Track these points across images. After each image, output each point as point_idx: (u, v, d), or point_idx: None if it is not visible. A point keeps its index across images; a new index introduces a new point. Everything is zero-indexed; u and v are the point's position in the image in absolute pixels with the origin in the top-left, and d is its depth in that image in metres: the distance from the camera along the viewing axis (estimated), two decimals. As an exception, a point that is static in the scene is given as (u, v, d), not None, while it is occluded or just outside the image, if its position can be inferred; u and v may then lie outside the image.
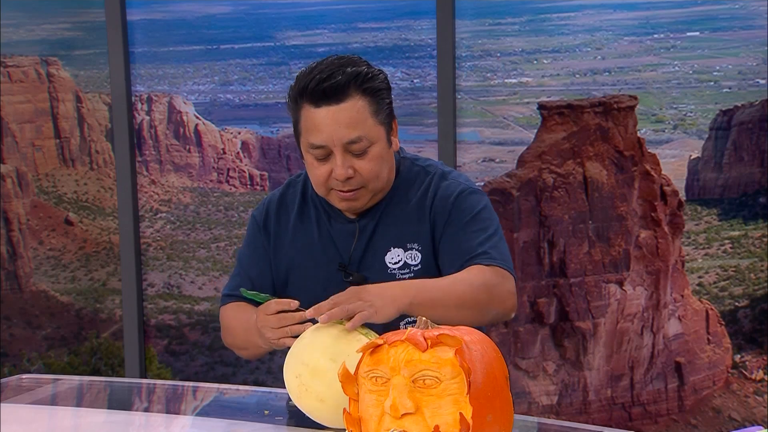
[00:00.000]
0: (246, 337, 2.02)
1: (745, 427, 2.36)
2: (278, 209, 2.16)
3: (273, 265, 2.14)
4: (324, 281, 2.06)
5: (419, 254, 2.06)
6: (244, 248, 2.20)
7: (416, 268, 2.05)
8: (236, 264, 2.22)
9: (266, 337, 1.90)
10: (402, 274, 2.04)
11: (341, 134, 1.95)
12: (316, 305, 1.79)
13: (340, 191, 2.00)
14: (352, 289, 1.83)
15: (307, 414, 1.77)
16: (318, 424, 1.77)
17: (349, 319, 1.78)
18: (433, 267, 2.06)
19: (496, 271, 1.99)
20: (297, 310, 1.87)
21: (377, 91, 1.99)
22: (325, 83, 1.95)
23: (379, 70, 2.02)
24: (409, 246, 2.06)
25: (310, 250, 2.11)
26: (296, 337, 1.83)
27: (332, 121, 1.95)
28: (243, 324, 2.04)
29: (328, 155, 1.98)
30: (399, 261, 2.06)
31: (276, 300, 1.91)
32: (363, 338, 1.76)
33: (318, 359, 1.73)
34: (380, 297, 1.82)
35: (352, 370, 1.65)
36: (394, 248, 2.06)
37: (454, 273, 1.99)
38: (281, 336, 1.87)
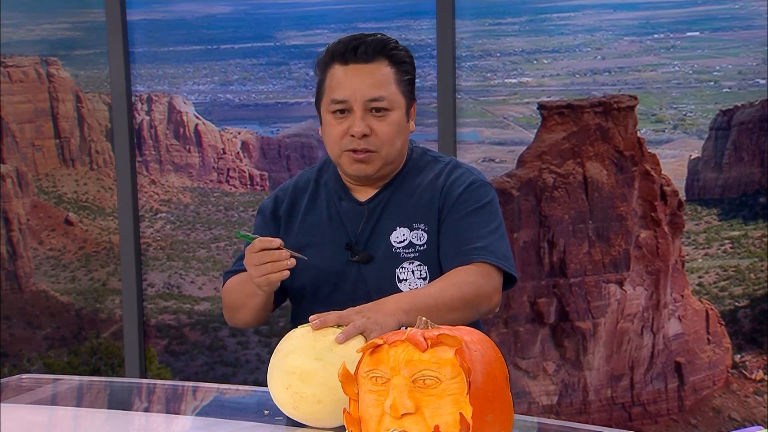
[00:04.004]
0: (242, 291, 2.10)
1: (745, 427, 2.36)
2: (292, 195, 2.22)
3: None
4: (330, 260, 2.11)
5: (425, 234, 2.09)
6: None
7: (421, 248, 2.08)
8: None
9: (252, 276, 1.97)
10: (406, 253, 2.08)
11: (364, 91, 2.05)
12: (322, 318, 1.80)
13: (353, 152, 2.06)
14: (352, 308, 1.85)
15: (306, 422, 1.76)
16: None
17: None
18: (438, 248, 2.10)
19: (481, 269, 2.03)
20: (279, 248, 1.94)
21: (402, 62, 2.10)
22: (356, 42, 2.06)
23: (404, 47, 2.13)
24: (415, 226, 2.10)
25: (318, 230, 2.15)
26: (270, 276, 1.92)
27: (358, 78, 2.05)
28: (240, 282, 2.13)
29: (348, 112, 2.06)
30: (404, 240, 2.10)
31: (260, 238, 1.97)
32: (336, 331, 1.77)
33: (303, 363, 1.73)
34: (381, 314, 1.85)
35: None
36: (399, 228, 2.10)
37: (448, 266, 2.05)
38: (263, 273, 1.95)
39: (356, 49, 2.05)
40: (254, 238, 1.99)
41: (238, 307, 2.18)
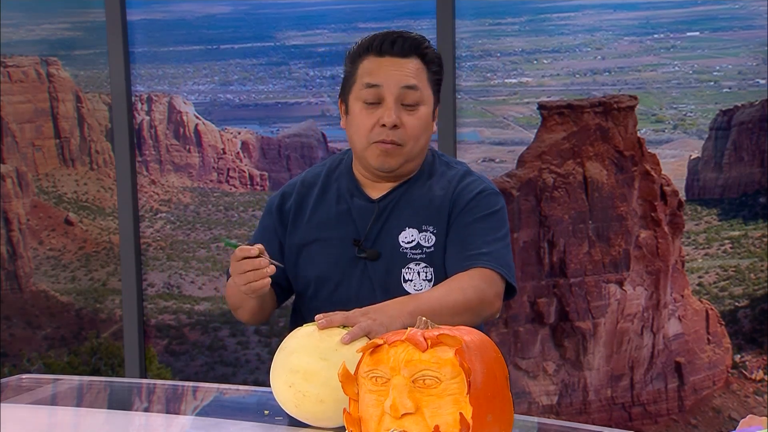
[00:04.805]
0: (237, 294, 2.10)
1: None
2: (300, 191, 2.23)
3: (287, 244, 2.20)
4: (336, 257, 2.13)
5: (433, 237, 2.11)
6: (255, 232, 2.29)
7: (429, 250, 2.10)
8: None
9: (237, 283, 1.98)
10: (413, 254, 2.10)
11: (400, 78, 2.07)
12: (329, 318, 1.81)
13: (382, 142, 2.07)
14: (358, 309, 1.86)
15: (307, 421, 1.76)
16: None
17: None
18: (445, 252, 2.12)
19: (485, 275, 2.04)
20: (259, 256, 1.95)
21: (432, 62, 2.13)
22: (393, 36, 2.09)
23: (436, 50, 2.18)
24: (424, 228, 2.11)
25: (327, 227, 2.16)
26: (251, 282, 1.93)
27: (393, 67, 2.08)
28: (234, 285, 2.12)
29: (379, 102, 2.07)
30: (412, 241, 2.11)
31: (241, 247, 1.97)
32: (341, 331, 1.77)
33: (308, 362, 1.73)
34: (386, 316, 1.86)
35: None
36: (409, 228, 2.12)
37: (452, 269, 2.06)
38: (245, 281, 1.95)
39: (393, 43, 2.08)
40: (237, 246, 1.99)
41: (236, 308, 2.20)
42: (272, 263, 1.96)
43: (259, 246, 1.97)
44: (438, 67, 2.16)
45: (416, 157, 2.14)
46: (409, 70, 2.08)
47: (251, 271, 1.95)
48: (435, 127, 2.18)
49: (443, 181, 2.16)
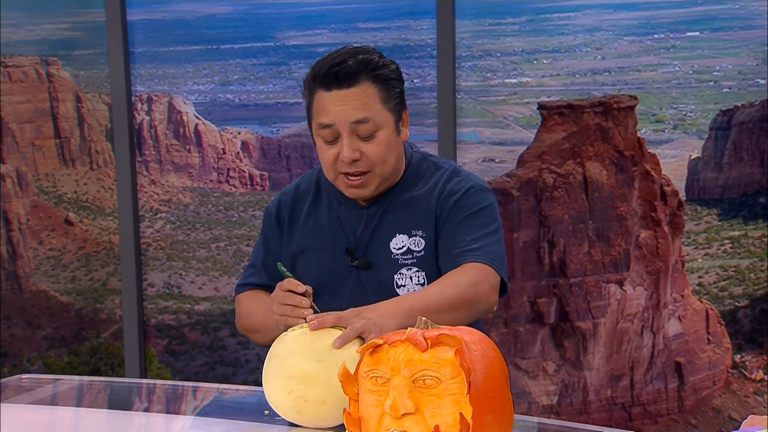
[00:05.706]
0: (264, 319, 2.09)
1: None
2: (294, 198, 2.23)
3: (283, 252, 2.19)
4: (329, 265, 2.13)
5: (423, 241, 2.10)
6: (258, 241, 2.30)
7: (419, 254, 2.09)
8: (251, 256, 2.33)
9: (272, 310, 1.98)
10: (404, 259, 2.10)
11: (348, 114, 2.01)
12: (321, 319, 1.81)
13: (347, 176, 2.06)
14: (352, 309, 1.86)
15: (309, 425, 1.75)
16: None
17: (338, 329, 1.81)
18: (435, 255, 2.11)
19: (478, 269, 2.03)
20: (304, 294, 1.95)
21: (387, 80, 2.06)
22: (336, 68, 2.01)
23: (391, 60, 2.09)
24: (413, 233, 2.11)
25: (319, 235, 2.16)
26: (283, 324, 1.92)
27: (341, 102, 2.02)
28: (263, 308, 2.11)
29: (337, 138, 2.04)
30: (403, 247, 2.11)
31: (289, 279, 1.98)
32: (334, 332, 1.77)
33: (304, 366, 1.72)
34: (380, 316, 1.86)
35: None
36: (399, 234, 2.11)
37: (445, 267, 2.06)
38: (281, 313, 1.95)
39: (337, 75, 2.01)
40: (288, 276, 2.00)
41: (255, 331, 2.18)
42: (314, 307, 1.95)
43: (308, 287, 1.97)
44: (396, 81, 2.08)
45: (390, 176, 2.11)
46: (358, 100, 2.02)
47: (290, 306, 1.95)
48: (407, 132, 2.13)
49: (431, 183, 2.14)
